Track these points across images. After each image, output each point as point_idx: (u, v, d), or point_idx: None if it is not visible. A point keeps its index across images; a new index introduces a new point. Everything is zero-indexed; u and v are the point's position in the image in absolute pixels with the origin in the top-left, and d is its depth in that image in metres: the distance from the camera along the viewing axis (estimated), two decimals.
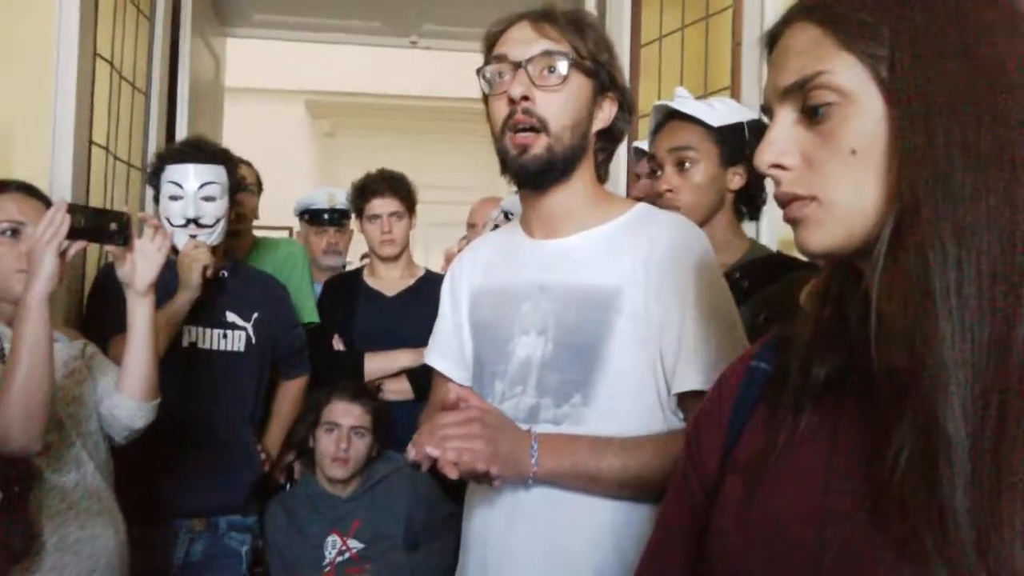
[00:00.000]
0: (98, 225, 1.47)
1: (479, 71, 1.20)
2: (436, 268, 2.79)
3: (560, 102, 1.15)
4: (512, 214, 2.05)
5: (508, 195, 2.48)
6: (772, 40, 0.68)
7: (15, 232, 1.52)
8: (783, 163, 0.65)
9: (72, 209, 1.41)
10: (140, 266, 1.50)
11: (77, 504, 1.48)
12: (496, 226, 1.97)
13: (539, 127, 1.14)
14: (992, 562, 0.52)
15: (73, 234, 1.41)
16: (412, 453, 1.05)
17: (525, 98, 1.14)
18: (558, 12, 1.18)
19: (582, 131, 1.18)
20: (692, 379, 1.10)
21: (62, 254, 1.39)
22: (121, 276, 1.52)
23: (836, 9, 0.63)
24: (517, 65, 1.15)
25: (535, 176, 1.17)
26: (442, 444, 1.03)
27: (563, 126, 1.15)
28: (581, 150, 1.18)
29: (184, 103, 3.13)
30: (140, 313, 1.52)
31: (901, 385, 0.57)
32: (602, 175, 1.26)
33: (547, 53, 1.14)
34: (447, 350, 1.36)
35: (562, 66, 1.14)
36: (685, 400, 1.13)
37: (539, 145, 1.15)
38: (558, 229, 1.22)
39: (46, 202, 1.58)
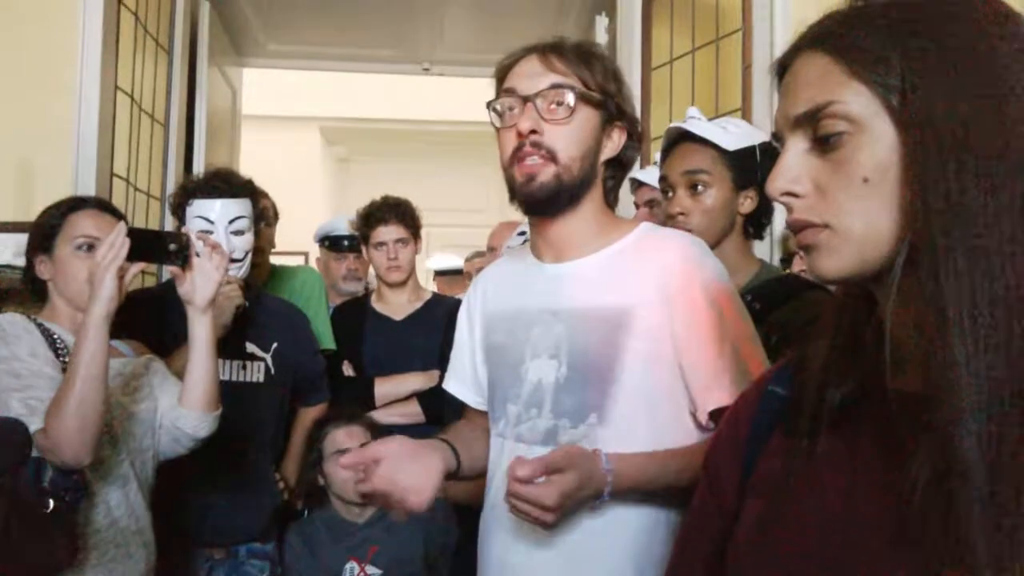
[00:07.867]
0: (157, 246, 1.53)
1: (489, 104, 1.22)
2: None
3: (568, 134, 1.17)
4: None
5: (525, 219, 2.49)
6: (782, 69, 0.69)
7: (91, 247, 1.58)
8: (795, 191, 0.65)
9: (132, 233, 1.46)
10: (199, 284, 1.55)
11: (117, 522, 1.51)
12: None
13: (548, 157, 1.16)
14: None
15: (133, 255, 1.45)
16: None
17: (534, 131, 1.16)
18: (566, 45, 1.20)
19: (590, 161, 1.20)
20: (722, 396, 1.11)
21: (121, 276, 1.44)
22: (182, 294, 1.56)
23: (845, 39, 0.63)
24: (526, 99, 1.17)
25: (543, 203, 1.19)
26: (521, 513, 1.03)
27: (572, 157, 1.17)
28: (590, 179, 1.20)
29: (202, 133, 3.19)
30: (200, 328, 1.56)
31: (917, 410, 0.57)
32: (611, 202, 1.28)
33: (555, 86, 1.16)
34: (464, 376, 1.37)
35: (570, 99, 1.16)
36: (719, 416, 1.13)
37: (547, 173, 1.16)
38: (566, 253, 1.24)
39: (121, 218, 1.64)
